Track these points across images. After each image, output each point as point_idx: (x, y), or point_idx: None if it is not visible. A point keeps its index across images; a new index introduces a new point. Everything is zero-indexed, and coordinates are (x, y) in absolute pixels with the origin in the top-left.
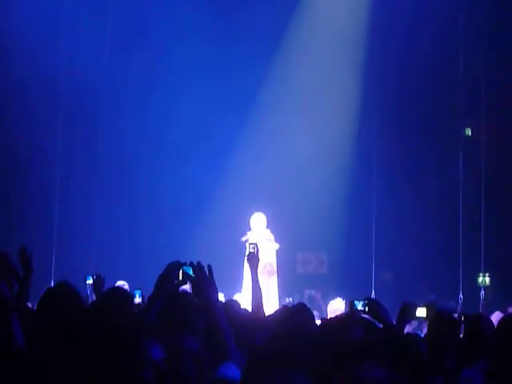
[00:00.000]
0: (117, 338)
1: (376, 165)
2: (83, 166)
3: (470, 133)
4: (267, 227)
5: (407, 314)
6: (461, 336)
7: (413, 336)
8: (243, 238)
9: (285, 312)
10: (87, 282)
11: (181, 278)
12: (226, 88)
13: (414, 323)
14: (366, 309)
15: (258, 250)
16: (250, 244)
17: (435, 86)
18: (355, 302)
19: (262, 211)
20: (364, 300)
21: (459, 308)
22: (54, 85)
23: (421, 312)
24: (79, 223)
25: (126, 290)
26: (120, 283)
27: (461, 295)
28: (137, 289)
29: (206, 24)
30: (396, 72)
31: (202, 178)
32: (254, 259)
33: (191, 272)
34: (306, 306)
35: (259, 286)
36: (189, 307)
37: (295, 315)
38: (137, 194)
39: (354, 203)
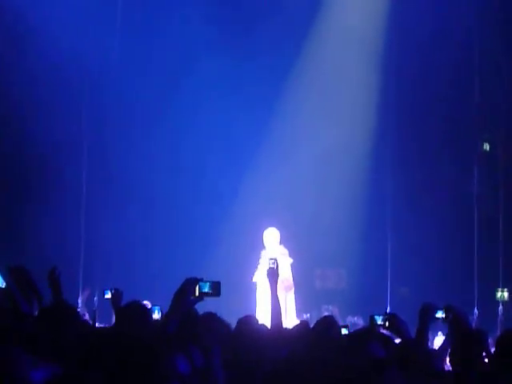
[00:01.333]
0: (140, 352)
1: (393, 180)
2: (97, 181)
3: (487, 148)
4: (280, 243)
5: (428, 315)
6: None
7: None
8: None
9: (306, 327)
10: (105, 296)
11: (197, 294)
12: (243, 100)
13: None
14: (386, 323)
15: (277, 266)
16: (270, 259)
17: (453, 101)
18: (375, 316)
19: (279, 226)
20: (384, 315)
21: (474, 323)
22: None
23: (439, 313)
24: (97, 238)
25: (143, 304)
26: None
27: (476, 310)
28: (155, 305)
29: (223, 33)
30: (413, 86)
31: (218, 192)
32: (273, 274)
33: (207, 288)
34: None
35: (279, 302)
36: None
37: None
38: (152, 208)
39: (371, 218)
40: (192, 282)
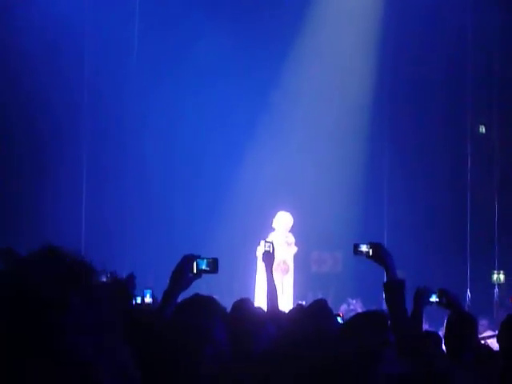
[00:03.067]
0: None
1: (389, 162)
2: (96, 160)
3: (483, 130)
4: (290, 230)
5: (422, 299)
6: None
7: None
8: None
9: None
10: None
11: (195, 271)
12: (242, 87)
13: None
14: (370, 251)
15: (273, 249)
16: (265, 242)
17: (447, 85)
18: (360, 244)
19: (280, 210)
20: (368, 243)
21: (466, 306)
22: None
23: (433, 297)
24: (96, 219)
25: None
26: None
27: (468, 293)
28: (147, 288)
29: (221, 27)
30: (409, 71)
31: (220, 177)
32: (269, 258)
33: (205, 265)
34: (325, 303)
35: (274, 285)
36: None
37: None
38: (153, 192)
39: (367, 201)
40: (189, 258)
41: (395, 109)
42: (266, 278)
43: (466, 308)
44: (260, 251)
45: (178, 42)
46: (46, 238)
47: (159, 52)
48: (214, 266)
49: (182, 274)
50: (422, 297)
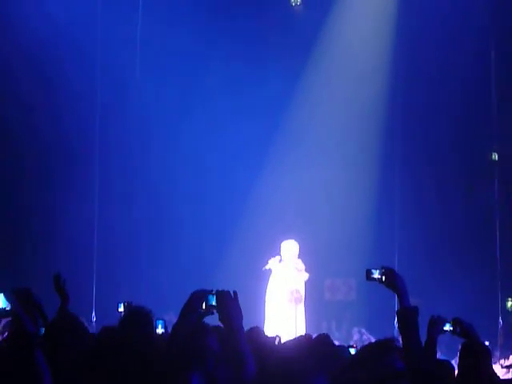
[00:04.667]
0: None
1: (401, 191)
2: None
3: (496, 157)
4: (299, 257)
5: (436, 328)
6: None
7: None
8: (266, 267)
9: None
10: (119, 309)
11: (204, 308)
12: (254, 113)
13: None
14: (383, 278)
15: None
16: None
17: (461, 111)
18: (372, 270)
19: (290, 238)
20: (380, 268)
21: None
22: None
23: (447, 326)
24: (113, 249)
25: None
26: None
27: (500, 320)
28: (159, 319)
29: (234, 41)
30: (423, 89)
31: (231, 204)
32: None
33: (214, 301)
34: (328, 337)
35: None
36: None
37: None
38: (161, 216)
39: (380, 227)
40: (199, 295)
41: (407, 130)
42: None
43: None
44: (272, 263)
45: (190, 57)
46: (59, 265)
47: (172, 67)
48: None
49: (192, 310)
50: (435, 326)
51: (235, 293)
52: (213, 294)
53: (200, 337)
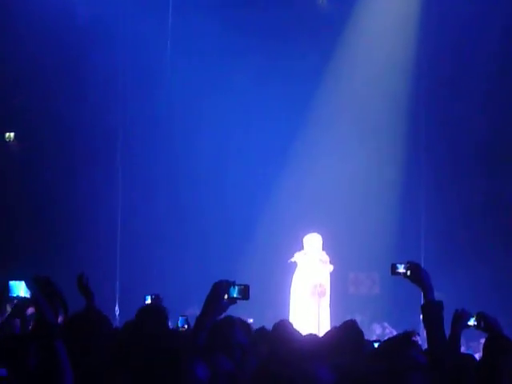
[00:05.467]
0: (160, 357)
1: (427, 184)
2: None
3: None
4: (323, 249)
5: (460, 322)
6: None
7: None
8: (292, 260)
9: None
10: (146, 302)
11: (227, 299)
12: (278, 106)
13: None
14: (408, 272)
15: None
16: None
17: (485, 99)
18: (397, 264)
19: (314, 231)
20: (406, 263)
21: None
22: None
23: (471, 321)
24: (138, 244)
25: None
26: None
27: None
28: (182, 315)
29: (257, 45)
30: (446, 92)
31: (254, 197)
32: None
33: (236, 293)
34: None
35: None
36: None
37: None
38: (186, 211)
39: (405, 220)
40: (223, 285)
41: (432, 121)
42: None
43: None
44: (297, 256)
45: (213, 61)
46: (82, 264)
47: (196, 69)
48: (245, 292)
49: (216, 300)
50: (460, 320)
51: (247, 286)
52: (235, 286)
53: (227, 328)
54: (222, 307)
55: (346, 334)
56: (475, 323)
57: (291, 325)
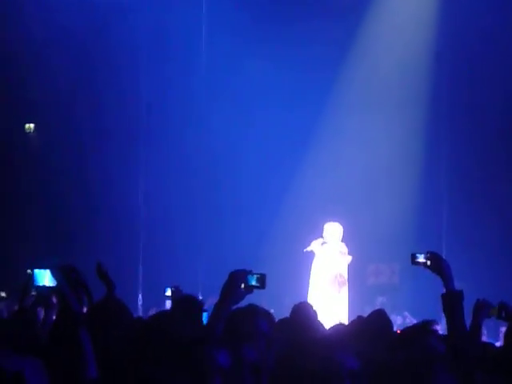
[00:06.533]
0: (181, 346)
1: (448, 174)
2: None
3: None
4: (342, 240)
5: (482, 312)
6: None
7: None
8: (308, 249)
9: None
10: (166, 293)
11: (243, 287)
12: (296, 95)
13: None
14: (428, 262)
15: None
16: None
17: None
18: (417, 254)
19: (333, 220)
20: (426, 253)
21: None
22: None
23: (494, 311)
24: (158, 234)
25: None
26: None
27: None
28: (204, 310)
29: (274, 30)
30: (467, 83)
31: (273, 186)
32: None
33: (254, 281)
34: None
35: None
36: (251, 318)
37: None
38: (204, 204)
39: (425, 209)
40: (241, 274)
41: (453, 115)
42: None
43: None
44: (315, 244)
45: (233, 47)
46: (103, 255)
47: (217, 57)
48: (262, 281)
49: (234, 288)
50: (481, 310)
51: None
52: (252, 274)
53: (251, 317)
54: (239, 296)
55: (375, 323)
56: (497, 313)
57: (311, 307)
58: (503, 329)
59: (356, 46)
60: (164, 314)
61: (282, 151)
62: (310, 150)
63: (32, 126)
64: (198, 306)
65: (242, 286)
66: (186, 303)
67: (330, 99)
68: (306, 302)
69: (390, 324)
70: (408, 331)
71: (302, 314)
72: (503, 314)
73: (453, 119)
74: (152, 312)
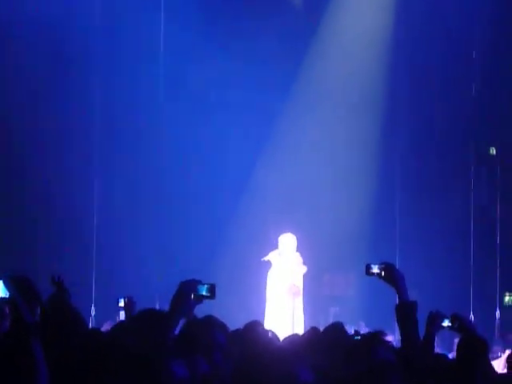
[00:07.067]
0: (140, 360)
1: (403, 184)
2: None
3: (494, 152)
4: (297, 250)
5: (435, 324)
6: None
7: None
8: (265, 258)
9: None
10: (119, 304)
11: (192, 297)
12: (251, 97)
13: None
14: (382, 273)
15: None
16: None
17: (457, 100)
18: (371, 264)
19: (287, 231)
20: (380, 263)
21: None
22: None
23: (446, 322)
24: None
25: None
26: None
27: (471, 315)
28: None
29: (236, 24)
30: (418, 85)
31: (227, 194)
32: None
33: (205, 291)
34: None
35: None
36: (208, 329)
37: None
38: (158, 205)
39: (379, 222)
40: (191, 284)
41: (410, 122)
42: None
43: None
44: (272, 256)
45: (192, 43)
46: (57, 258)
47: (177, 53)
48: (212, 291)
49: (183, 299)
50: (434, 321)
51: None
52: (203, 284)
53: (208, 329)
54: (189, 306)
55: (331, 335)
56: (450, 324)
57: (262, 326)
58: (457, 340)
59: (314, 43)
60: (123, 326)
61: (238, 152)
62: (266, 152)
63: None
64: (158, 318)
65: (192, 296)
66: (145, 315)
67: (287, 99)
68: (258, 321)
69: (345, 336)
70: (359, 342)
71: (255, 330)
72: (456, 325)
73: (409, 125)
74: (107, 325)
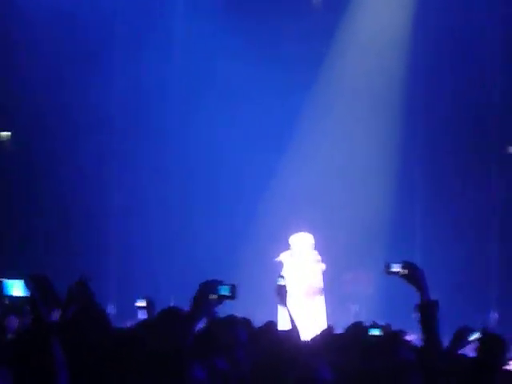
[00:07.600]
0: (161, 359)
1: (424, 183)
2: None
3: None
4: (315, 248)
5: (462, 339)
6: None
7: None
8: (277, 259)
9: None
10: (138, 304)
11: (215, 297)
12: (272, 98)
13: None
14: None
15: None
16: (279, 277)
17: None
18: (391, 264)
19: (304, 230)
20: (402, 262)
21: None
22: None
23: (474, 336)
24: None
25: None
26: None
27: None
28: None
29: (255, 23)
30: (444, 83)
31: (248, 194)
32: (282, 291)
33: (226, 291)
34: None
35: (291, 316)
36: (231, 328)
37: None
38: (175, 214)
39: (400, 221)
40: (212, 284)
41: (429, 119)
42: (284, 312)
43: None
44: (283, 257)
45: (210, 42)
46: (76, 259)
47: (193, 68)
48: (233, 292)
49: (204, 299)
50: (462, 337)
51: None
52: (224, 285)
53: (230, 328)
54: (210, 307)
55: (351, 333)
56: (477, 337)
57: (277, 327)
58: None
59: (334, 44)
60: (145, 324)
61: (259, 152)
62: (287, 152)
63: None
64: (180, 318)
65: (213, 296)
66: (169, 314)
67: (307, 99)
68: (273, 322)
69: (366, 335)
70: (380, 341)
71: (274, 329)
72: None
73: (428, 122)
74: (129, 324)
